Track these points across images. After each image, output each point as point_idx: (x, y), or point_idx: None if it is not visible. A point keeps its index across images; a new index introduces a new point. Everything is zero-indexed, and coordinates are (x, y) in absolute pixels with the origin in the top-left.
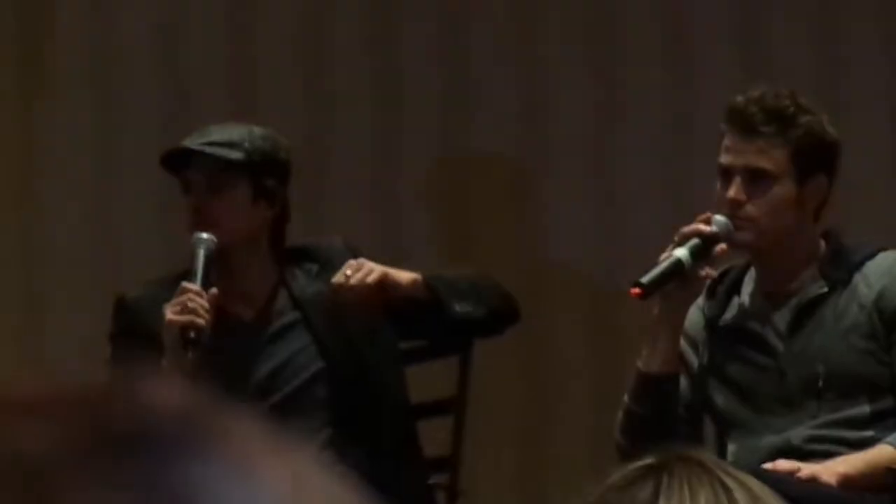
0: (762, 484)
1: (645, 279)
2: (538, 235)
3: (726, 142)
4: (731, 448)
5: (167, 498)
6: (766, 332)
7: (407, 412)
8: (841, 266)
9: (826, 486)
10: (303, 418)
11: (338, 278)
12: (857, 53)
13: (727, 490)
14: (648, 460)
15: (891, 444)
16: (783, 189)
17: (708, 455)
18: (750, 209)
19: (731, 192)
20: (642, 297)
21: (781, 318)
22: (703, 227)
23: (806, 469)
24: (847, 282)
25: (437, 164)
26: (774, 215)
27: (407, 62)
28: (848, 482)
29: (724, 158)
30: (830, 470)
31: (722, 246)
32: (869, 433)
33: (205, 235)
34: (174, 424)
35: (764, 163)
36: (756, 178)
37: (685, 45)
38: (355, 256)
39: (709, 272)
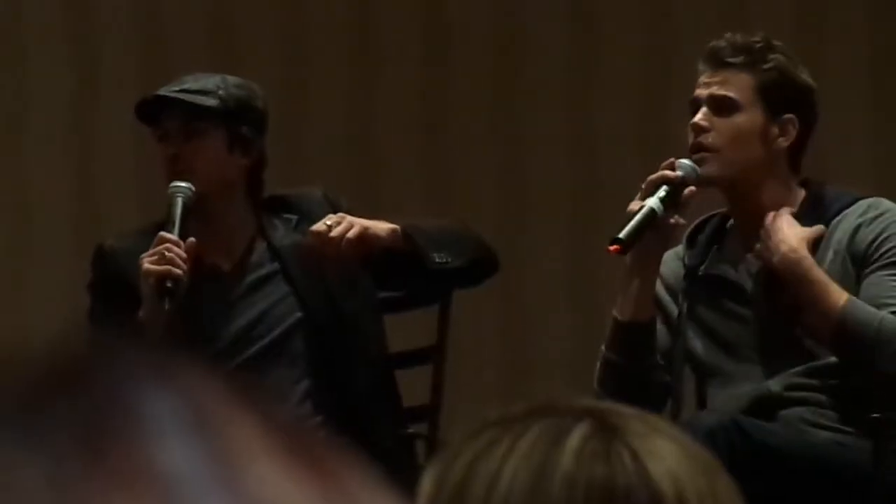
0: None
1: (622, 234)
2: (515, 182)
3: (699, 79)
4: (710, 396)
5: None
6: (745, 283)
7: (385, 362)
8: (819, 216)
9: (805, 434)
10: (281, 370)
11: (318, 227)
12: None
13: (659, 430)
14: (585, 427)
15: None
16: (748, 119)
17: (600, 403)
18: (713, 137)
19: (696, 118)
20: (621, 252)
21: (761, 269)
22: (668, 172)
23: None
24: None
25: (415, 109)
26: (738, 144)
27: (384, 5)
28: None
29: (695, 93)
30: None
31: (691, 188)
32: (845, 380)
33: (183, 184)
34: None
35: (729, 90)
36: (721, 106)
37: None
38: (334, 208)
39: (678, 220)
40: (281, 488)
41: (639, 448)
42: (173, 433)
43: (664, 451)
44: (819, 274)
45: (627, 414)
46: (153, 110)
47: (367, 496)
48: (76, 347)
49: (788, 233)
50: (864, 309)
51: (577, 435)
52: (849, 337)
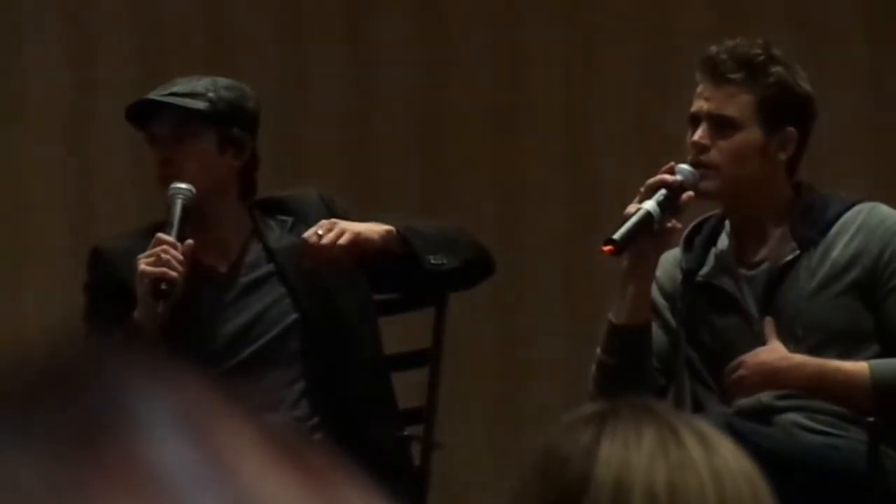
0: (714, 429)
1: (616, 235)
2: (513, 189)
3: (698, 90)
4: (704, 401)
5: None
6: (740, 295)
7: (381, 364)
8: (813, 225)
9: (799, 438)
10: (276, 371)
11: (309, 234)
12: (834, 16)
13: (674, 431)
14: (599, 406)
15: (870, 365)
16: (748, 137)
17: (661, 404)
18: (713, 154)
19: (696, 136)
20: (615, 253)
21: (756, 283)
22: (667, 176)
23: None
24: (820, 241)
25: (413, 116)
26: (738, 162)
27: (383, 12)
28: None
29: (694, 105)
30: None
31: (689, 193)
32: None
33: (184, 185)
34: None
35: (730, 109)
36: (721, 125)
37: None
38: (330, 209)
39: (675, 224)
40: (272, 488)
41: (611, 429)
42: (167, 434)
43: (643, 438)
44: (825, 363)
45: (643, 406)
46: (144, 114)
47: (357, 498)
48: (72, 348)
49: (769, 361)
50: (889, 365)
51: (579, 412)
52: (892, 397)
